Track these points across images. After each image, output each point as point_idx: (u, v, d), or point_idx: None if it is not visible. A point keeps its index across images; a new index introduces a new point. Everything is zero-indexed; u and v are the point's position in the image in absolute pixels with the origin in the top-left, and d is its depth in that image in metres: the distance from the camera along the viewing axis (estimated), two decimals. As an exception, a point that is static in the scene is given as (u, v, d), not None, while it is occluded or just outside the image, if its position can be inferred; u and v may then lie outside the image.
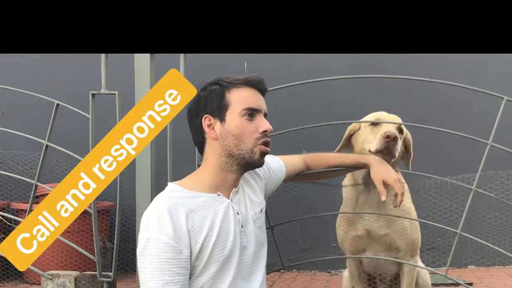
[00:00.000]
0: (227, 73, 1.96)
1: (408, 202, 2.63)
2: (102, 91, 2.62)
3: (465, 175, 2.69)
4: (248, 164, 1.90)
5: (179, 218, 1.77)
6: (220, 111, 1.87)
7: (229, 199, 1.90)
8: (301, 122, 2.39)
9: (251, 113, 1.87)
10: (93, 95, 2.63)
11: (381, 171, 2.33)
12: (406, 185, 2.60)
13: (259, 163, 1.91)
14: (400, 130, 2.53)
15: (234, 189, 1.92)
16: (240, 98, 1.87)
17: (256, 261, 1.96)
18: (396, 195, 2.30)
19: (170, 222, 1.75)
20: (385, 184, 2.30)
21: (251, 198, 1.98)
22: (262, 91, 1.94)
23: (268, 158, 2.04)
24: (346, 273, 3.00)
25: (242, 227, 1.90)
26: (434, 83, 2.52)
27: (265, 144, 1.89)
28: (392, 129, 2.45)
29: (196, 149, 2.36)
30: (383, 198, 2.28)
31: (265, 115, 1.92)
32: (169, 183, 1.91)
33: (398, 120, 2.57)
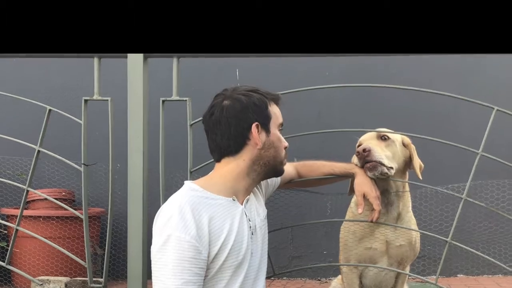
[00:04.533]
0: (220, 80, 1.97)
1: (410, 212, 2.65)
2: (95, 97, 2.61)
3: (456, 184, 2.69)
4: (276, 172, 2.00)
5: (201, 218, 1.77)
6: (266, 121, 1.92)
7: (242, 204, 1.92)
8: (292, 129, 2.39)
9: (282, 128, 1.99)
10: (85, 101, 2.61)
11: (364, 183, 2.38)
12: (409, 194, 2.63)
13: (281, 173, 2.02)
14: (382, 138, 2.51)
15: (247, 196, 1.95)
16: (277, 112, 1.98)
17: (260, 268, 1.97)
18: (373, 210, 2.40)
19: (193, 222, 1.74)
20: (365, 198, 2.37)
21: (257, 206, 2.01)
22: None
23: None
24: (334, 283, 2.99)
25: (252, 233, 1.92)
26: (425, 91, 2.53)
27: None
28: (362, 144, 2.45)
29: (189, 157, 2.36)
30: (360, 210, 2.37)
31: None
32: (186, 182, 1.91)
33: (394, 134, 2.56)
